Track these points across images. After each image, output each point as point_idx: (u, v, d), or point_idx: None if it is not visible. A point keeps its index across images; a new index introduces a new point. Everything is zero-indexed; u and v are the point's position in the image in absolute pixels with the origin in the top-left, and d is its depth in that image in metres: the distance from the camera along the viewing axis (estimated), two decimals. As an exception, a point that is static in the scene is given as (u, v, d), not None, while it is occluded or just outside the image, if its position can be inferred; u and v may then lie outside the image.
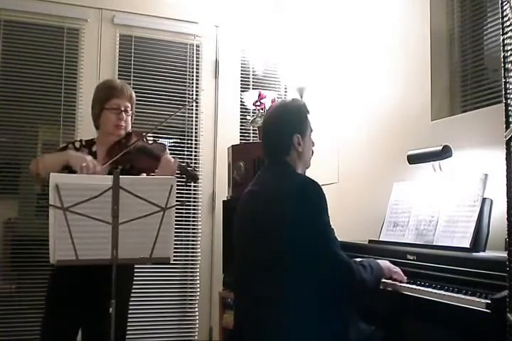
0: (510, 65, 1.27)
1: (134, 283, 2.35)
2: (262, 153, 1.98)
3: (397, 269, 1.94)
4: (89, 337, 2.18)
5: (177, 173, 2.27)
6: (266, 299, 1.72)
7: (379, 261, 1.91)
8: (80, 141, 2.31)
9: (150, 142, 2.37)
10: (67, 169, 2.08)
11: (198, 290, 3.67)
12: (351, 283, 1.72)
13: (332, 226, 1.77)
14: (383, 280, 1.90)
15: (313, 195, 1.76)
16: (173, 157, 2.31)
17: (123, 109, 2.25)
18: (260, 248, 1.77)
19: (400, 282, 1.91)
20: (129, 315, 3.34)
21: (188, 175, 2.34)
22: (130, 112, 2.30)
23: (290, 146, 1.90)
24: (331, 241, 1.74)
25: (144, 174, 2.31)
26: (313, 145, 2.01)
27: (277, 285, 1.71)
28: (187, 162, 2.49)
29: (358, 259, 1.92)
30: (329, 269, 1.71)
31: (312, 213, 1.74)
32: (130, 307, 3.32)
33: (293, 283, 1.69)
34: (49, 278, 2.23)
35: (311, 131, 1.99)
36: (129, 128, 2.32)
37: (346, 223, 2.95)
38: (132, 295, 2.28)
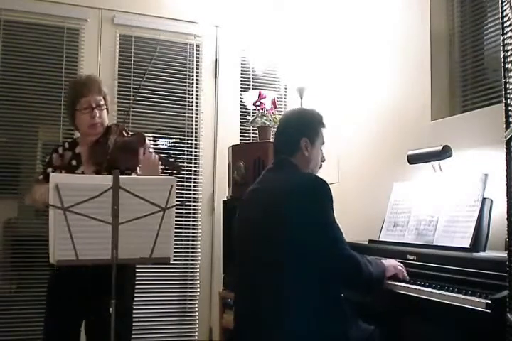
0: (510, 64, 1.27)
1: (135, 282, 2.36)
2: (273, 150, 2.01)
3: (402, 267, 1.94)
4: (93, 336, 2.17)
5: (161, 166, 2.21)
6: (267, 299, 1.72)
7: (383, 260, 1.92)
8: (63, 144, 2.28)
9: (128, 135, 2.26)
10: None
11: (198, 290, 3.67)
12: (360, 275, 1.72)
13: (337, 222, 1.78)
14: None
15: (317, 191, 1.76)
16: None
17: (94, 105, 2.19)
18: (264, 247, 1.76)
19: (402, 281, 1.90)
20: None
21: (172, 166, 2.26)
22: (104, 106, 2.23)
23: (296, 149, 1.92)
24: (336, 237, 1.73)
25: (132, 173, 2.26)
26: (323, 161, 2.02)
27: (279, 285, 1.71)
28: (168, 154, 2.40)
29: None
30: (337, 264, 1.70)
31: (317, 210, 1.74)
32: (130, 307, 3.34)
33: (295, 283, 1.69)
34: (49, 277, 2.22)
35: (323, 143, 2.01)
36: (106, 123, 2.25)
37: (346, 223, 2.93)
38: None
